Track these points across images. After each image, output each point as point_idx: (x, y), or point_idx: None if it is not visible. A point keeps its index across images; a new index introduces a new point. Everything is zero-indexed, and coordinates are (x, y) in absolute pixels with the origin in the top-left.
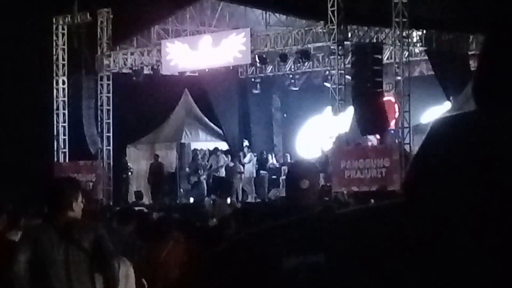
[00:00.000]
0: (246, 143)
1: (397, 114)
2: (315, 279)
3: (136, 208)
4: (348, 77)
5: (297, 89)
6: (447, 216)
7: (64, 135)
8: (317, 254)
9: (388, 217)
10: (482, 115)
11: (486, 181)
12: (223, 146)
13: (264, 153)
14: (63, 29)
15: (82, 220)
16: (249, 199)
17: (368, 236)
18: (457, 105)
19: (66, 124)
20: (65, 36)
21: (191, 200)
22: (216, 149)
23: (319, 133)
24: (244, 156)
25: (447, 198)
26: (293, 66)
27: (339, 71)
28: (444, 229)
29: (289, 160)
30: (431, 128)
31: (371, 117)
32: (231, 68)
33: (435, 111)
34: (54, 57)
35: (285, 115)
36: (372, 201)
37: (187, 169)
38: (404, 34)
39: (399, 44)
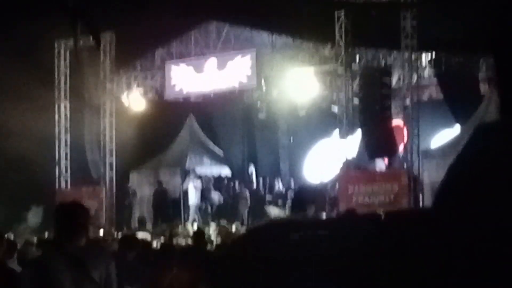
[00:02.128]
0: (252, 167)
1: (405, 139)
2: None
3: (139, 235)
4: (356, 100)
5: (304, 113)
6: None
7: (66, 160)
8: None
9: (416, 224)
10: None
11: None
12: (228, 171)
13: (267, 178)
14: (65, 52)
15: (92, 248)
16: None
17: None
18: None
19: (68, 150)
20: (67, 60)
21: (195, 226)
22: (220, 177)
23: (327, 157)
24: (251, 181)
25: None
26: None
27: (347, 94)
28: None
29: (293, 185)
30: (473, 133)
31: (379, 141)
32: (237, 92)
33: (444, 135)
34: (56, 82)
35: (291, 140)
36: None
37: None
38: (413, 57)
39: (407, 67)
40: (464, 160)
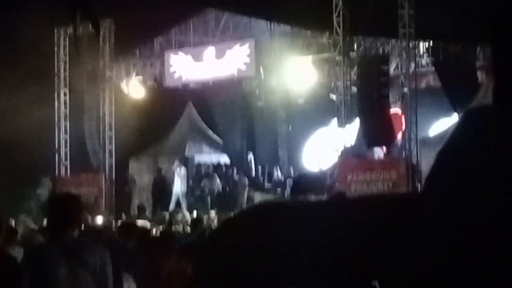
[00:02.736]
0: (250, 155)
1: (403, 127)
2: None
3: (139, 222)
4: (354, 88)
5: (302, 101)
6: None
7: (66, 147)
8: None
9: (403, 207)
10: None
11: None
12: (227, 159)
13: (266, 166)
14: (64, 40)
15: (87, 239)
16: None
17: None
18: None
19: (67, 137)
20: (67, 48)
21: (195, 213)
22: (219, 165)
23: (325, 145)
24: (250, 169)
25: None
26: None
27: (345, 83)
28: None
29: (292, 173)
30: (462, 118)
31: (377, 129)
32: (235, 80)
33: (442, 123)
34: (56, 69)
35: (290, 128)
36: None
37: (190, 182)
38: (410, 45)
39: (405, 55)
40: (453, 145)
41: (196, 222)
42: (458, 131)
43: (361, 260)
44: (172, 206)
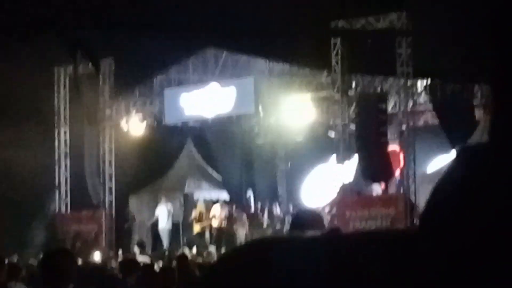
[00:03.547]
0: (250, 192)
1: (402, 164)
2: None
3: (139, 258)
4: (352, 126)
5: (301, 139)
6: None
7: (66, 185)
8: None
9: (399, 243)
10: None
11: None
12: (227, 195)
13: (266, 203)
14: (64, 79)
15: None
16: None
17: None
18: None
19: (68, 174)
20: (67, 86)
21: (194, 250)
22: (218, 201)
23: (324, 181)
24: (249, 206)
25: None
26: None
27: (343, 120)
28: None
29: (291, 210)
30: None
31: (375, 166)
32: (234, 118)
33: (441, 160)
34: (56, 107)
35: (289, 165)
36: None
37: (190, 219)
38: (408, 83)
39: (403, 93)
40: (448, 181)
41: (182, 259)
42: (452, 169)
43: None
44: (165, 242)
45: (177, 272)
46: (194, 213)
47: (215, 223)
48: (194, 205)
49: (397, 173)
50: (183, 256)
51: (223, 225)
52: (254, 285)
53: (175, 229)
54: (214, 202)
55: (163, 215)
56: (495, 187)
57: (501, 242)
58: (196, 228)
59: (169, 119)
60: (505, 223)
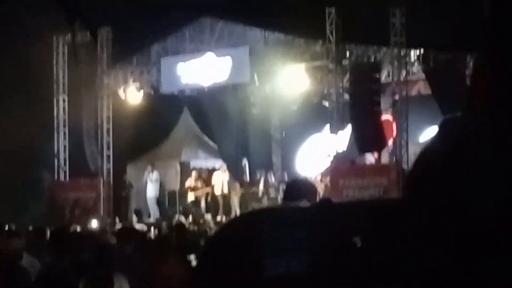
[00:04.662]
0: (245, 161)
1: (395, 133)
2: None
3: (137, 226)
4: (346, 95)
5: (295, 108)
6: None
7: (65, 153)
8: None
9: (387, 212)
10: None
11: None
12: (222, 164)
13: (260, 171)
14: (63, 47)
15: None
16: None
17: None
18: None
19: (66, 143)
20: (65, 55)
21: (190, 218)
22: (214, 170)
23: (318, 151)
24: (244, 174)
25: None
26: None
27: (337, 90)
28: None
29: (286, 179)
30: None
31: (369, 135)
32: (230, 87)
33: (433, 130)
34: (55, 76)
35: (283, 134)
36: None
37: (185, 188)
38: (401, 53)
39: (396, 63)
40: (431, 152)
41: (179, 227)
42: (435, 140)
43: (347, 269)
44: (151, 211)
45: (174, 239)
46: (189, 182)
47: (217, 191)
48: (189, 173)
49: (390, 142)
50: (180, 224)
51: (221, 193)
52: (248, 258)
53: (171, 198)
54: (210, 171)
55: (149, 184)
56: (475, 157)
57: (482, 209)
58: (191, 196)
59: (166, 88)
60: (484, 191)
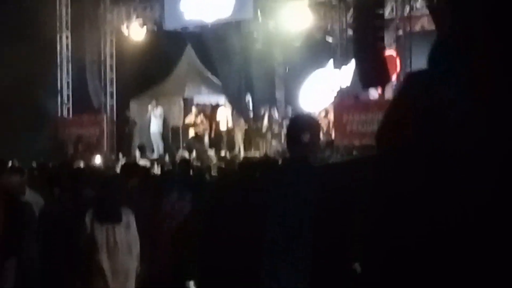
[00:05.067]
0: (248, 97)
1: (398, 69)
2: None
3: (140, 162)
4: (350, 31)
5: (299, 44)
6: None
7: (68, 89)
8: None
9: (362, 169)
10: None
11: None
12: (225, 100)
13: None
14: None
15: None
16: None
17: (340, 187)
18: None
19: (70, 79)
20: None
21: (194, 153)
22: (217, 105)
23: (322, 86)
24: (248, 110)
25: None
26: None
27: (341, 26)
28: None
29: (290, 114)
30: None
31: (372, 71)
32: (234, 23)
33: None
34: (58, 12)
35: (287, 69)
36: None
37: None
38: None
39: None
40: (396, 104)
41: (183, 163)
42: (400, 92)
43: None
44: (155, 146)
45: (178, 175)
46: (189, 118)
47: (222, 127)
48: (190, 110)
49: (394, 78)
50: (184, 159)
51: (225, 129)
52: (245, 204)
53: (175, 134)
54: (214, 107)
55: (153, 119)
56: (437, 108)
57: (447, 154)
58: (191, 132)
59: (169, 24)
60: (448, 137)
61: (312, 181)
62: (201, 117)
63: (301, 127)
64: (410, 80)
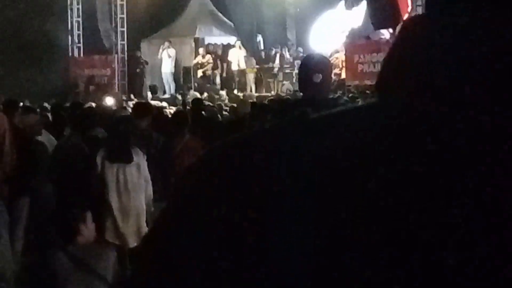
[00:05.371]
0: (259, 38)
1: (410, 8)
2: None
3: (152, 103)
4: None
5: None
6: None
7: (79, 30)
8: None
9: (361, 121)
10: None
11: None
12: (237, 40)
13: (275, 48)
14: None
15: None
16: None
17: (341, 144)
18: None
19: (80, 19)
20: None
21: (205, 94)
22: (229, 45)
23: (333, 27)
24: (259, 50)
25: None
26: None
27: None
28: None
29: (301, 54)
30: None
31: (383, 11)
32: None
33: None
34: None
35: (298, 10)
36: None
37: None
38: None
39: None
40: (396, 51)
41: (196, 102)
42: (398, 39)
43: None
44: (166, 86)
45: (191, 114)
46: (197, 59)
47: (234, 67)
48: (199, 51)
49: (405, 17)
50: (197, 99)
51: (237, 69)
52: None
53: (186, 74)
54: (225, 47)
55: (165, 59)
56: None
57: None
58: (199, 73)
59: None
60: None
61: None
62: (208, 57)
63: (313, 67)
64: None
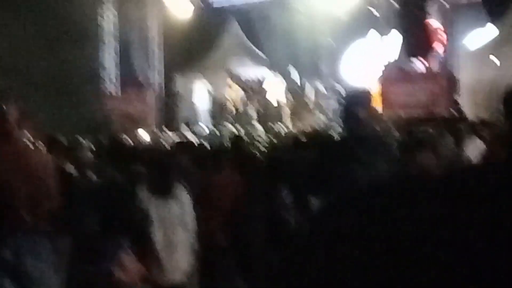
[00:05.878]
0: (292, 69)
1: (444, 40)
2: None
3: (188, 136)
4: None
5: (342, 14)
6: None
7: (116, 68)
8: None
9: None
10: None
11: None
12: (271, 73)
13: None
14: None
15: None
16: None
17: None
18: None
19: (116, 56)
20: None
21: (240, 128)
22: (263, 77)
23: (363, 58)
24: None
25: None
26: None
27: None
28: None
29: (335, 87)
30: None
31: (415, 41)
32: None
33: (477, 34)
34: None
35: (330, 40)
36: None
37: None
38: None
39: None
40: None
41: (236, 140)
42: None
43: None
44: (201, 120)
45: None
46: (232, 92)
47: (270, 101)
48: (236, 83)
49: (440, 49)
50: (237, 136)
51: (273, 103)
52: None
53: (220, 107)
54: (260, 81)
55: (199, 92)
56: None
57: None
58: (230, 106)
59: (217, 2)
60: None
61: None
62: (242, 91)
63: (357, 102)
64: None
